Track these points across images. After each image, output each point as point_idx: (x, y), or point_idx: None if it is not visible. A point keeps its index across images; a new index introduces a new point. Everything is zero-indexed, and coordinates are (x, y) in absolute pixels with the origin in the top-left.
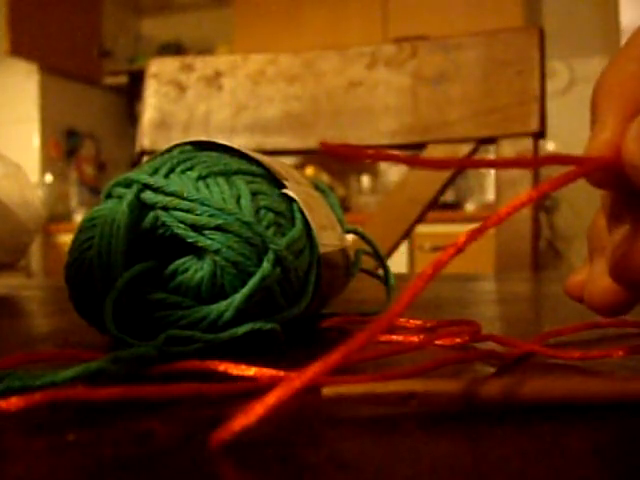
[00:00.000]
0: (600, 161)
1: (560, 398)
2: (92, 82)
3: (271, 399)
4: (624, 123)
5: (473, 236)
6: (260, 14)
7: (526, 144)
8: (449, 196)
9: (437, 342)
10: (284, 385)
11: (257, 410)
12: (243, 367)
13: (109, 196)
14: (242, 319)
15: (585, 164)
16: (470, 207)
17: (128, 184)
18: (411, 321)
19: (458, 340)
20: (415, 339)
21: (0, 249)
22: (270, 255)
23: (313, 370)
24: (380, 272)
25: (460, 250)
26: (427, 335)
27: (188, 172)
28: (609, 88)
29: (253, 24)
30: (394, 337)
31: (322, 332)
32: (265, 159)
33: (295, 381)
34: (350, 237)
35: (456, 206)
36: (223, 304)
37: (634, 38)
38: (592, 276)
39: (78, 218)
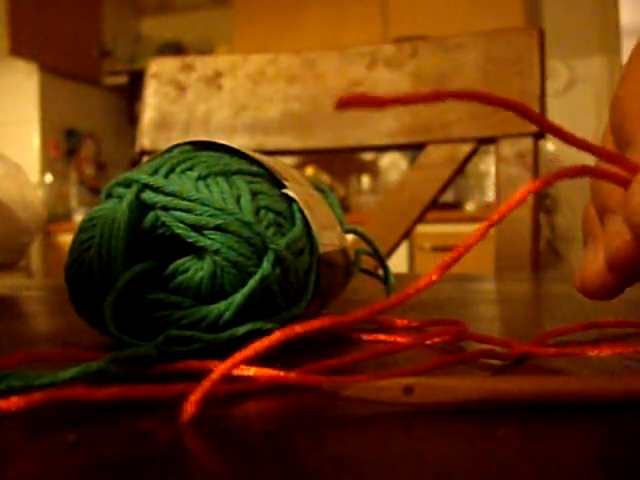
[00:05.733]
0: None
1: (559, 397)
2: (92, 82)
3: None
4: None
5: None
6: (260, 14)
7: (526, 144)
8: (449, 196)
9: (428, 342)
10: (217, 370)
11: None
12: (243, 367)
13: (109, 196)
14: (242, 319)
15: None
16: (470, 207)
17: (128, 184)
18: (398, 321)
19: (441, 339)
20: (403, 339)
21: (0, 249)
22: (270, 255)
23: (248, 352)
24: (380, 272)
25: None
26: (417, 335)
27: (188, 172)
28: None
29: (253, 24)
30: (381, 336)
31: (322, 332)
32: (265, 159)
33: (227, 364)
34: (350, 237)
35: (456, 206)
36: (223, 304)
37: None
38: (583, 261)
39: (78, 218)
